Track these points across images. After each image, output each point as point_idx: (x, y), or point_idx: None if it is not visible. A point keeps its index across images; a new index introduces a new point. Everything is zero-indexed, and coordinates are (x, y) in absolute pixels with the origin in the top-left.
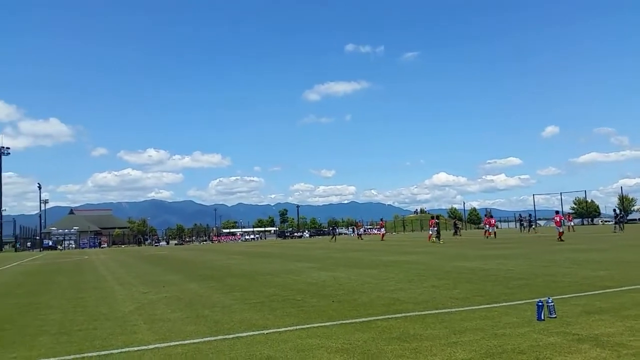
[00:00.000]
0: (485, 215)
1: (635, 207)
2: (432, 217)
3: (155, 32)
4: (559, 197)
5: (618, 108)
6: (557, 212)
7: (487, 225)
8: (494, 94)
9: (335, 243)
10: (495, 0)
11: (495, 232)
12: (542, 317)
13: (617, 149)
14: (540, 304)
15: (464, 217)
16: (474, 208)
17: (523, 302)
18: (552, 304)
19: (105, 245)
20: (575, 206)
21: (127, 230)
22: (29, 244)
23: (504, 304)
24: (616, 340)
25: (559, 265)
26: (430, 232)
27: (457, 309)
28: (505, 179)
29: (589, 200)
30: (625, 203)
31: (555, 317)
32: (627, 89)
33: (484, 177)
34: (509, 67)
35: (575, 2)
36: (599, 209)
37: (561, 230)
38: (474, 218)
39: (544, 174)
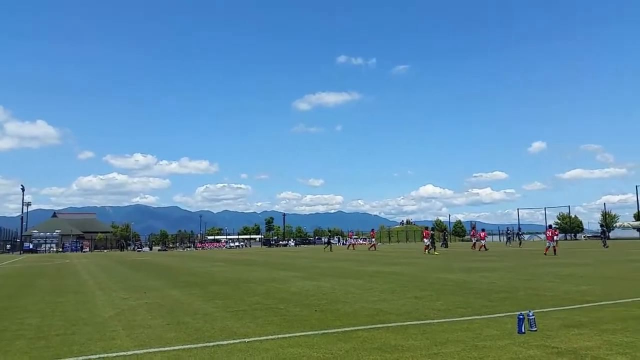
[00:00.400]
0: (473, 228)
1: (617, 224)
2: (426, 228)
3: (146, 37)
4: (543, 211)
5: (606, 125)
6: (549, 227)
7: (478, 238)
8: (482, 109)
9: (326, 253)
10: (485, 16)
11: (484, 245)
12: (523, 330)
13: (602, 166)
14: (521, 317)
15: (449, 229)
16: (459, 220)
17: (504, 314)
18: (533, 317)
19: (88, 249)
20: (559, 221)
21: (110, 234)
22: (8, 246)
23: (486, 316)
24: (594, 354)
25: (541, 279)
26: (426, 243)
27: (439, 321)
28: (490, 193)
29: (573, 216)
30: (607, 219)
31: (536, 330)
32: (615, 107)
33: (469, 190)
34: (497, 82)
35: (564, 19)
36: (582, 225)
37: (552, 245)
38: (459, 230)
39: (529, 189)
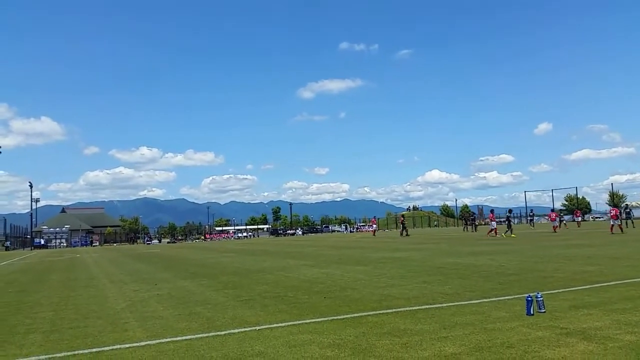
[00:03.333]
0: (491, 212)
1: (624, 203)
2: (402, 216)
3: (149, 31)
4: (551, 193)
5: (612, 105)
6: (615, 206)
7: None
8: (487, 92)
9: (332, 240)
10: (489, 0)
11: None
12: (532, 312)
13: (609, 146)
14: (529, 299)
15: (455, 213)
16: (466, 205)
17: (513, 297)
18: (542, 299)
19: (97, 243)
20: (566, 202)
21: (119, 228)
22: (19, 243)
23: (494, 299)
24: (603, 334)
25: (549, 261)
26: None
27: (447, 304)
28: (497, 176)
29: (580, 197)
30: (615, 199)
31: (545, 312)
32: (622, 86)
33: (476, 174)
34: (502, 65)
35: (567, 2)
36: (589, 206)
37: (618, 224)
38: (467, 215)
39: (535, 171)
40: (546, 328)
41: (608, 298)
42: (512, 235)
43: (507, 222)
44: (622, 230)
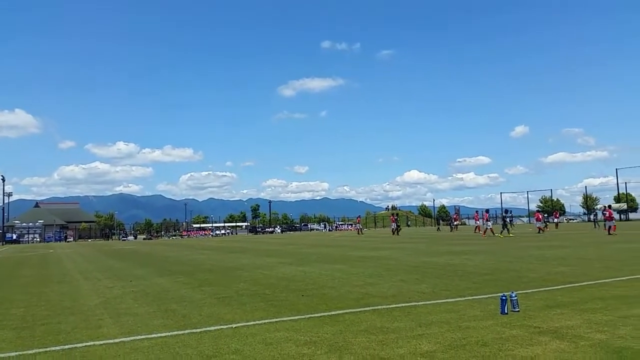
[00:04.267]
0: (457, 213)
1: (598, 206)
2: (392, 215)
3: (127, 25)
4: (526, 195)
5: (587, 109)
6: (608, 207)
7: (482, 222)
8: (466, 94)
9: (311, 239)
10: (470, 3)
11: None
12: (506, 311)
13: (584, 149)
14: (504, 298)
15: (433, 214)
16: (443, 205)
17: (488, 296)
18: (516, 298)
19: (72, 239)
20: (541, 204)
21: (94, 224)
22: None
23: (469, 298)
24: (575, 333)
25: (524, 261)
26: (393, 227)
27: (423, 303)
28: (474, 177)
29: (555, 199)
30: (588, 202)
31: (518, 311)
32: (597, 91)
33: (454, 175)
34: (481, 67)
35: (547, 7)
36: (564, 208)
37: (613, 225)
38: (443, 215)
39: (512, 173)
40: (520, 327)
41: (580, 298)
42: (510, 235)
43: (502, 222)
44: (614, 231)
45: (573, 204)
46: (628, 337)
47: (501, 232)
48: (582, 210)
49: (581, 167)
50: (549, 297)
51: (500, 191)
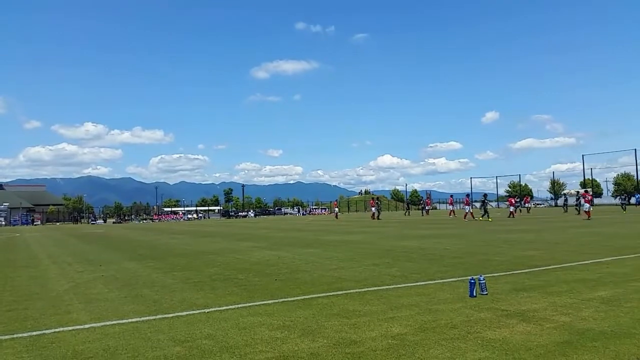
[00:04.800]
0: (428, 197)
1: (564, 191)
2: (372, 198)
3: (99, 2)
4: (495, 180)
5: (556, 96)
6: (585, 191)
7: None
8: (439, 79)
9: (286, 223)
10: None
11: (472, 213)
12: (474, 294)
13: (552, 136)
14: (472, 281)
15: (405, 198)
16: (416, 190)
17: (457, 279)
18: (484, 281)
19: (39, 222)
20: (510, 189)
21: (62, 207)
22: None
23: (439, 281)
24: (540, 315)
25: (492, 245)
26: (373, 211)
27: (395, 286)
28: (445, 162)
29: (523, 184)
30: (556, 187)
31: (486, 294)
32: (566, 78)
33: (426, 160)
34: (454, 53)
35: None
36: (532, 193)
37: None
38: (415, 199)
39: (482, 158)
40: (488, 310)
41: (546, 281)
42: (489, 219)
43: (483, 207)
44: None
45: (540, 189)
46: (590, 319)
47: (482, 216)
48: (549, 195)
49: (549, 153)
50: (516, 280)
51: (471, 176)
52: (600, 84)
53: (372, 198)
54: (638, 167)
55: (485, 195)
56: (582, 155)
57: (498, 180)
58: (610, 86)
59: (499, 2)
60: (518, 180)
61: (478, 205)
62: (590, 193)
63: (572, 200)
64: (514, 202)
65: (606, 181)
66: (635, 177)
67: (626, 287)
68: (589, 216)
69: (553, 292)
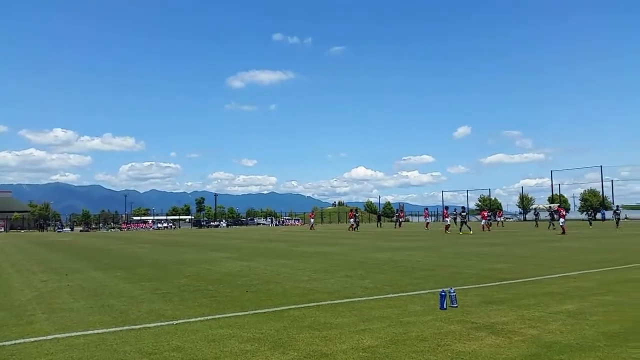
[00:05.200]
0: (401, 210)
1: (533, 206)
2: (351, 210)
3: (69, 4)
4: (466, 194)
5: (526, 112)
6: (559, 206)
7: (447, 219)
8: (413, 93)
9: (259, 233)
10: (418, 5)
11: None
12: (445, 307)
13: (522, 151)
14: (443, 293)
15: (378, 210)
16: (389, 202)
17: (428, 291)
18: (454, 294)
19: (2, 229)
20: (480, 203)
21: (27, 214)
22: None
23: (411, 293)
24: (509, 328)
25: (463, 258)
26: (351, 223)
27: (366, 298)
28: (418, 176)
29: (493, 198)
30: (524, 202)
31: (457, 307)
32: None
33: (399, 172)
34: (427, 68)
35: (490, 11)
36: (501, 206)
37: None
38: (388, 212)
39: (453, 172)
40: (458, 322)
41: (515, 294)
42: (470, 233)
43: (461, 220)
44: (564, 232)
45: (510, 204)
46: (557, 332)
47: (460, 229)
48: (518, 209)
49: (518, 168)
50: (486, 293)
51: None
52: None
53: (351, 210)
54: (603, 183)
55: (463, 208)
56: (551, 171)
57: (469, 194)
58: (578, 104)
59: (471, 20)
60: (488, 194)
61: (458, 219)
62: (563, 208)
63: (543, 215)
64: (486, 215)
65: (573, 197)
66: (600, 193)
67: (592, 300)
68: (564, 231)
69: (522, 305)
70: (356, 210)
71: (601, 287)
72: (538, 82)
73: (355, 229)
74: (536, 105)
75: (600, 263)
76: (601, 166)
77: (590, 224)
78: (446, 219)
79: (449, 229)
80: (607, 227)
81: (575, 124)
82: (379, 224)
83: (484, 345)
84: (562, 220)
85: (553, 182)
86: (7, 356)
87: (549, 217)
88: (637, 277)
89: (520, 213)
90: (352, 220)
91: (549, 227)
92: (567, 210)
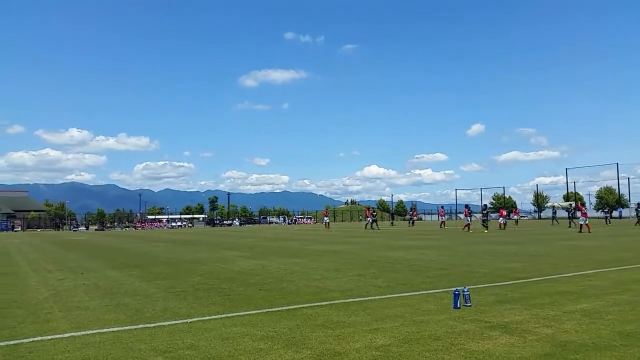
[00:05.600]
0: (413, 208)
1: (548, 204)
2: (368, 208)
3: (83, 5)
4: (479, 192)
5: (541, 110)
6: (582, 204)
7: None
8: (426, 91)
9: (270, 232)
10: (429, 4)
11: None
12: (458, 306)
13: (536, 149)
14: (456, 292)
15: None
16: (401, 200)
17: (441, 290)
18: (468, 293)
19: (19, 229)
20: (494, 201)
21: (43, 213)
22: None
23: (424, 292)
24: (523, 328)
25: (477, 257)
26: (369, 221)
27: (379, 297)
28: (431, 174)
29: (507, 197)
30: (539, 200)
31: (470, 306)
32: (551, 92)
33: (412, 171)
34: (439, 66)
35: (502, 11)
36: (515, 205)
37: (586, 222)
38: (401, 210)
39: (467, 170)
40: (471, 321)
41: (529, 293)
42: (486, 232)
43: (483, 218)
44: (589, 230)
45: (524, 202)
46: (572, 331)
47: (486, 227)
48: (532, 207)
49: (533, 166)
50: (500, 292)
51: (455, 188)
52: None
53: (367, 208)
54: (619, 180)
55: (485, 206)
56: (566, 169)
57: (482, 192)
58: (594, 101)
59: (485, 17)
60: (502, 192)
61: (479, 216)
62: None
63: (560, 213)
64: (504, 213)
65: (589, 194)
66: (617, 191)
67: (607, 299)
68: (589, 229)
69: (536, 305)
70: (373, 209)
71: (617, 286)
72: (553, 79)
73: (372, 228)
74: (551, 103)
75: (616, 262)
76: (617, 164)
77: (608, 221)
78: (466, 217)
79: (471, 227)
80: (625, 225)
81: (591, 121)
82: (392, 223)
83: (498, 345)
84: (583, 218)
85: (568, 180)
86: (25, 353)
87: (569, 216)
88: None
89: (535, 211)
90: (369, 218)
91: (569, 226)
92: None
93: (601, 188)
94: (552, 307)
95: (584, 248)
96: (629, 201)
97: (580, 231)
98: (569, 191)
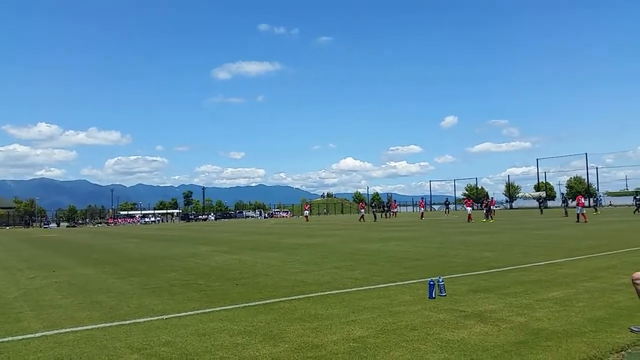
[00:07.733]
0: (389, 200)
1: (519, 194)
2: (361, 201)
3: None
4: (453, 183)
5: (513, 102)
6: (579, 194)
7: (469, 209)
8: (401, 84)
9: (247, 226)
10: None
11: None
12: (433, 296)
13: (508, 140)
14: (431, 283)
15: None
16: (377, 193)
17: (417, 281)
18: (443, 283)
19: None
20: (467, 192)
21: (12, 210)
22: None
23: (400, 283)
24: (497, 316)
25: (451, 247)
26: (362, 213)
27: (356, 289)
28: (406, 166)
29: (479, 187)
30: (510, 190)
31: (445, 296)
32: (523, 84)
33: (387, 163)
34: (414, 58)
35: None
36: (488, 195)
37: (583, 212)
38: (379, 203)
39: (440, 162)
40: (446, 311)
41: (502, 282)
42: (491, 221)
43: (486, 209)
44: (585, 220)
45: (496, 192)
46: (544, 319)
47: (484, 219)
48: (504, 197)
49: (505, 157)
50: (474, 281)
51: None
52: (555, 90)
53: (361, 200)
54: (588, 170)
55: (486, 196)
56: (537, 160)
57: (456, 184)
58: (565, 93)
59: (458, 10)
60: (475, 183)
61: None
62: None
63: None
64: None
65: (559, 184)
66: (586, 180)
67: (578, 287)
68: (585, 219)
69: (509, 293)
70: (364, 201)
71: (587, 273)
72: (525, 72)
73: (364, 219)
74: (523, 94)
75: (586, 250)
76: (586, 154)
77: (596, 210)
78: (468, 208)
79: (472, 218)
80: (599, 214)
81: (562, 112)
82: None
83: (473, 333)
84: (580, 208)
85: (539, 170)
86: None
87: (562, 204)
88: (621, 263)
89: (506, 201)
90: (362, 210)
91: (565, 214)
92: (553, 198)
93: (571, 178)
94: (525, 295)
95: (554, 237)
96: (597, 190)
97: (577, 221)
98: (540, 181)
